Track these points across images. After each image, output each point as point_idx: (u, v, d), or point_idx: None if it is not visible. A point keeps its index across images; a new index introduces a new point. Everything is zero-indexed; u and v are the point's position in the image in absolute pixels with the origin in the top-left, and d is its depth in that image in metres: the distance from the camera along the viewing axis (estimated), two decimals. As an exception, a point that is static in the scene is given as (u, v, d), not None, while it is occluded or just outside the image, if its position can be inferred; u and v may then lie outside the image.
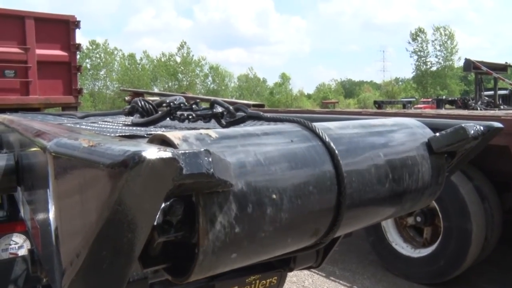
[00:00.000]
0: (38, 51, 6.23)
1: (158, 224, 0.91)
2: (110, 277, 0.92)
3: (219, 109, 1.64)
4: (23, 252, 4.13)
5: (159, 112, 1.96)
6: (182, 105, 1.84)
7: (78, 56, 7.01)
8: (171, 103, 1.85)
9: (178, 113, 1.82)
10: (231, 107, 1.63)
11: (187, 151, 0.79)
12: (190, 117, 1.74)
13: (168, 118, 1.90)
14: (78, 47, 6.73)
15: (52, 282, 1.43)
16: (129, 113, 2.21)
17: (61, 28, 6.52)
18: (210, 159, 0.81)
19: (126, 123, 2.33)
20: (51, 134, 1.10)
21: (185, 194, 0.89)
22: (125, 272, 0.92)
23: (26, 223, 2.37)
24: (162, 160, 0.72)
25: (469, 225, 4.11)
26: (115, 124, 2.28)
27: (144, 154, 0.71)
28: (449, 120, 1.77)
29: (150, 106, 2.04)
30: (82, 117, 3.09)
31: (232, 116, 1.60)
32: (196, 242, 0.91)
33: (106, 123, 2.47)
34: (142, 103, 2.06)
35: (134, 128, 1.92)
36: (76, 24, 6.64)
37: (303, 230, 1.10)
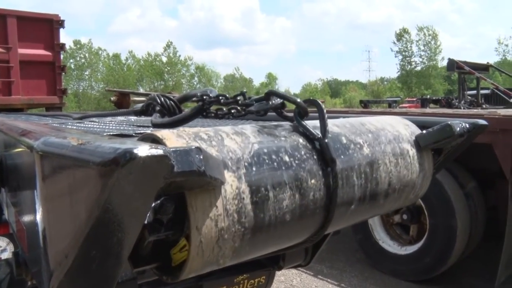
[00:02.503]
0: (21, 51, 6.12)
1: (148, 223, 0.90)
2: (99, 278, 0.91)
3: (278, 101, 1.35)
4: (6, 255, 4.05)
5: (188, 109, 1.61)
6: (221, 98, 1.49)
7: (62, 56, 6.91)
8: (204, 97, 1.53)
9: (215, 108, 1.52)
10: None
11: (178, 149, 0.78)
12: (234, 111, 1.43)
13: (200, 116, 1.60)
14: (62, 46, 6.64)
15: (39, 284, 1.41)
16: (142, 112, 1.88)
17: (45, 27, 6.42)
18: (201, 157, 0.80)
19: (142, 124, 2.08)
20: (38, 133, 1.08)
21: (176, 192, 0.88)
22: (115, 272, 0.91)
23: (10, 225, 2.33)
24: (154, 157, 0.71)
25: (454, 222, 4.16)
26: (131, 127, 2.05)
27: (135, 151, 0.70)
28: (435, 117, 1.79)
29: (172, 102, 1.71)
30: (80, 118, 2.74)
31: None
32: (186, 240, 0.91)
33: (119, 124, 2.21)
34: (162, 99, 1.71)
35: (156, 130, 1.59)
36: (60, 23, 6.55)
37: (295, 227, 1.10)
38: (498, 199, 4.47)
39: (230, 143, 1.00)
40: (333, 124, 1.31)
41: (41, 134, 1.02)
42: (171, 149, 0.76)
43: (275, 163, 1.03)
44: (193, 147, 0.81)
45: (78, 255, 0.84)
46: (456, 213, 4.18)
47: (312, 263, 2.41)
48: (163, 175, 0.75)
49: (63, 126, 1.99)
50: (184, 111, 1.63)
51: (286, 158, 1.07)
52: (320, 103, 1.22)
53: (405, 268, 4.58)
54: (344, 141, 1.26)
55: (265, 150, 1.04)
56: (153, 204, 0.88)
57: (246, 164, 0.98)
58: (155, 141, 0.91)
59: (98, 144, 0.77)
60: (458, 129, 1.46)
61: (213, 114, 1.52)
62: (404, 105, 24.91)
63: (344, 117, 1.61)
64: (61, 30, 6.59)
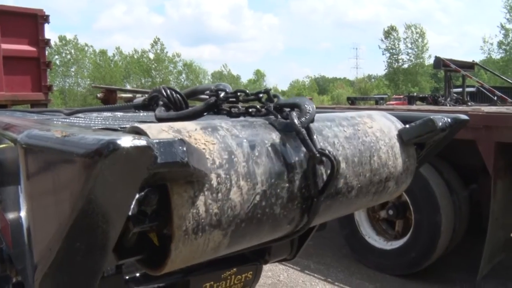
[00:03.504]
0: (4, 46, 6.04)
1: (133, 215, 0.91)
2: (84, 270, 0.91)
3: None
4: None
5: (199, 104, 1.47)
6: (240, 94, 1.36)
7: (47, 52, 6.83)
8: (219, 92, 1.39)
9: (228, 105, 1.40)
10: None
11: (161, 140, 0.79)
12: (253, 110, 1.31)
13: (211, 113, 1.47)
14: (47, 42, 6.57)
15: (24, 280, 1.40)
16: (145, 107, 1.73)
17: (29, 22, 6.34)
18: (185, 148, 0.81)
19: (144, 120, 1.90)
20: (22, 127, 1.08)
21: (160, 184, 0.89)
22: (100, 264, 0.91)
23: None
24: (137, 148, 0.72)
25: (438, 218, 4.22)
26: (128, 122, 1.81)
27: (118, 142, 0.70)
28: (418, 113, 1.82)
29: (178, 96, 1.58)
30: (70, 114, 2.49)
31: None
32: (171, 232, 0.91)
33: (121, 120, 2.01)
34: (168, 91, 1.58)
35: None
36: (45, 18, 6.47)
37: (280, 219, 1.11)
38: (482, 195, 4.54)
39: (216, 136, 1.01)
40: (318, 118, 1.33)
41: (25, 128, 1.02)
42: (155, 140, 0.77)
43: (260, 156, 1.04)
44: (177, 139, 0.81)
45: (62, 247, 0.84)
46: (441, 208, 4.24)
47: (299, 258, 2.43)
48: (147, 166, 0.75)
49: (51, 120, 1.97)
50: (194, 106, 1.49)
51: (270, 151, 1.08)
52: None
53: (390, 262, 4.63)
54: (329, 134, 1.28)
55: (249, 143, 1.05)
56: (137, 196, 0.89)
57: (230, 156, 0.98)
58: (139, 133, 0.91)
59: (82, 136, 0.77)
60: (440, 123, 1.49)
61: (225, 112, 1.39)
62: (391, 102, 25.14)
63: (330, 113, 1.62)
64: (46, 25, 6.52)
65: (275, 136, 1.13)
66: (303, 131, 1.14)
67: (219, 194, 0.94)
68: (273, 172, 1.06)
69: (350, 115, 1.53)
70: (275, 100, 1.34)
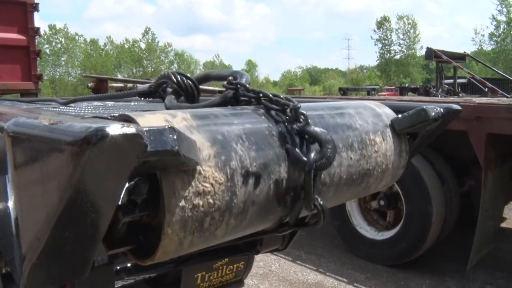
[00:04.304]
0: (-8, 34, 5.94)
1: (123, 204, 0.90)
2: (73, 260, 0.90)
3: None
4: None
5: (217, 97, 1.33)
6: (263, 98, 1.22)
7: (37, 41, 6.73)
8: (238, 84, 1.26)
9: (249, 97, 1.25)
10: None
11: (151, 128, 0.77)
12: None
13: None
14: (36, 31, 6.45)
15: (13, 271, 1.39)
16: (150, 94, 1.57)
17: (18, 10, 6.22)
18: (175, 137, 0.79)
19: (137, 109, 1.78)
20: (9, 115, 1.06)
21: (150, 173, 0.87)
22: (89, 254, 0.90)
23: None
24: (126, 136, 0.71)
25: (429, 208, 4.25)
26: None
27: (107, 130, 0.69)
28: (411, 103, 1.82)
29: (190, 82, 1.42)
30: (66, 103, 2.34)
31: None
32: (161, 222, 0.90)
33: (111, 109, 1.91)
34: (179, 77, 1.42)
35: None
36: (34, 6, 6.35)
37: (271, 209, 1.11)
38: (472, 186, 4.58)
39: (208, 125, 1.00)
40: (310, 108, 1.32)
41: (12, 116, 1.00)
42: (144, 128, 0.76)
43: (251, 145, 1.03)
44: (167, 127, 0.80)
45: (51, 237, 0.83)
46: (432, 199, 4.27)
47: (290, 249, 2.43)
48: (136, 154, 0.74)
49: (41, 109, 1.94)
50: (211, 98, 1.35)
51: (263, 140, 1.06)
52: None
53: (382, 253, 4.67)
54: (319, 123, 1.27)
55: (241, 132, 1.04)
56: (127, 185, 0.88)
57: (222, 145, 0.97)
58: (129, 121, 0.90)
59: (70, 123, 0.75)
60: (433, 113, 1.48)
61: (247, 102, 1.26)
62: (383, 93, 25.19)
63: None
64: (36, 13, 6.40)
65: (268, 125, 1.12)
66: (299, 119, 1.13)
67: (210, 184, 0.93)
68: (267, 161, 1.05)
69: (342, 104, 1.52)
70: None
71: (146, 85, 1.62)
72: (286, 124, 1.14)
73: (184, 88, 1.41)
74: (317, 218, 1.11)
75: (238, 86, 1.26)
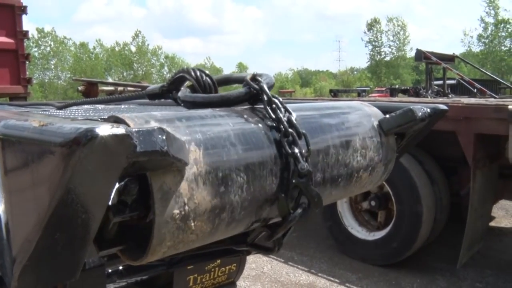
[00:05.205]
0: (-20, 38, 5.90)
1: (113, 204, 0.90)
2: (64, 262, 0.90)
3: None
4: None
5: (238, 91, 1.30)
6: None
7: (25, 44, 6.69)
8: (261, 83, 1.23)
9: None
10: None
11: (140, 129, 0.78)
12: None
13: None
14: (25, 34, 6.42)
15: (4, 274, 1.38)
16: (162, 95, 1.51)
17: (6, 14, 6.18)
18: (164, 137, 0.80)
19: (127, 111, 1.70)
20: None
21: (140, 173, 0.88)
22: (80, 255, 0.90)
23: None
24: (115, 136, 0.71)
25: (420, 208, 4.29)
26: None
27: (97, 130, 0.70)
28: (399, 103, 1.84)
29: (209, 79, 1.37)
30: (63, 107, 2.24)
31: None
32: (151, 222, 0.91)
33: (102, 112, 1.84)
34: (198, 73, 1.37)
35: None
36: (22, 9, 6.32)
37: (260, 208, 1.12)
38: (461, 186, 4.63)
39: (196, 125, 1.01)
40: (297, 108, 1.33)
41: (2, 118, 1.00)
42: (133, 129, 0.76)
43: (240, 146, 1.04)
44: (156, 128, 0.81)
45: (42, 238, 0.83)
46: (422, 199, 4.30)
47: (282, 250, 2.44)
48: (126, 155, 0.75)
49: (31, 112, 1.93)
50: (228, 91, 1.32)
51: (251, 141, 1.08)
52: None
53: (373, 253, 4.70)
54: (307, 124, 1.28)
55: (230, 132, 1.05)
56: (117, 185, 0.88)
57: (210, 146, 0.98)
58: (118, 122, 0.90)
59: (60, 125, 0.76)
60: (420, 113, 1.51)
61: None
62: (373, 94, 25.35)
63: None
64: (24, 16, 6.37)
65: (258, 126, 1.13)
66: (284, 121, 1.15)
67: (199, 184, 0.93)
68: (256, 162, 1.06)
69: (330, 104, 1.53)
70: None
71: (157, 86, 1.54)
72: (270, 122, 1.16)
73: (202, 85, 1.36)
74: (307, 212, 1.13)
75: (262, 85, 1.25)
